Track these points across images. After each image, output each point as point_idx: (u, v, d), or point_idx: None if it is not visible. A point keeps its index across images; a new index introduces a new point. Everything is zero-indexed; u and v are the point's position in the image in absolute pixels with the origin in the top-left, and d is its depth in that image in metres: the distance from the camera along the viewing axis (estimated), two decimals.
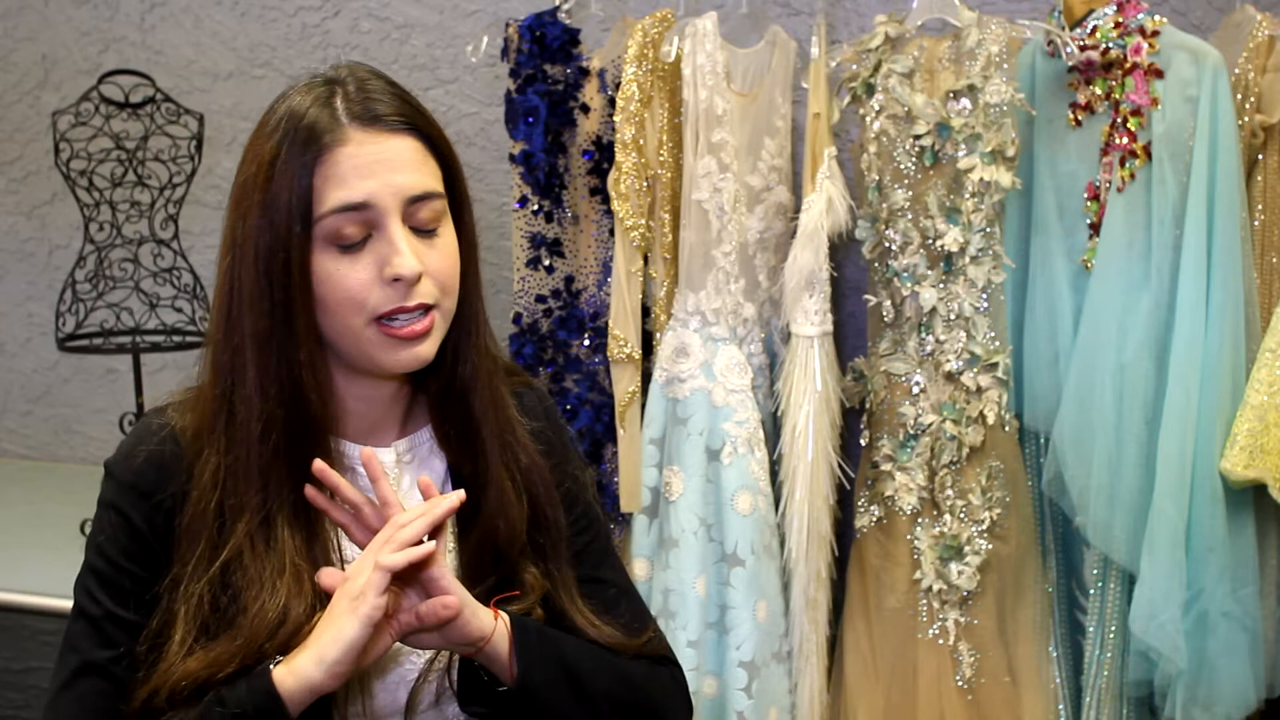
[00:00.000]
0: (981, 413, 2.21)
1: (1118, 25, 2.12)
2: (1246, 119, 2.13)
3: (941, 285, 2.21)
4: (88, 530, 2.68)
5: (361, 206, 1.13)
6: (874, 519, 2.28)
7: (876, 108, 2.22)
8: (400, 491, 1.25)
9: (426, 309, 1.16)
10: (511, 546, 1.25)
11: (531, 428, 1.31)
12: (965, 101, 2.16)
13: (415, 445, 1.29)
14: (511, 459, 1.27)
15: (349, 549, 1.22)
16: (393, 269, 1.13)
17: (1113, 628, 2.17)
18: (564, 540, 1.31)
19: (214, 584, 1.14)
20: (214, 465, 1.16)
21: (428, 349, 1.17)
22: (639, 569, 2.35)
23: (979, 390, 2.21)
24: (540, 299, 2.43)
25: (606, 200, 2.34)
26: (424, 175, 1.16)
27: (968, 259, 2.19)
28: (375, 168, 1.14)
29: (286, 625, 1.12)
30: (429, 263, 1.16)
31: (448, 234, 1.19)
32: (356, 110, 1.15)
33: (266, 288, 1.14)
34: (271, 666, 1.08)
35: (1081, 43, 2.13)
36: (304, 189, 1.12)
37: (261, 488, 1.15)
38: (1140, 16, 2.11)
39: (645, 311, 2.37)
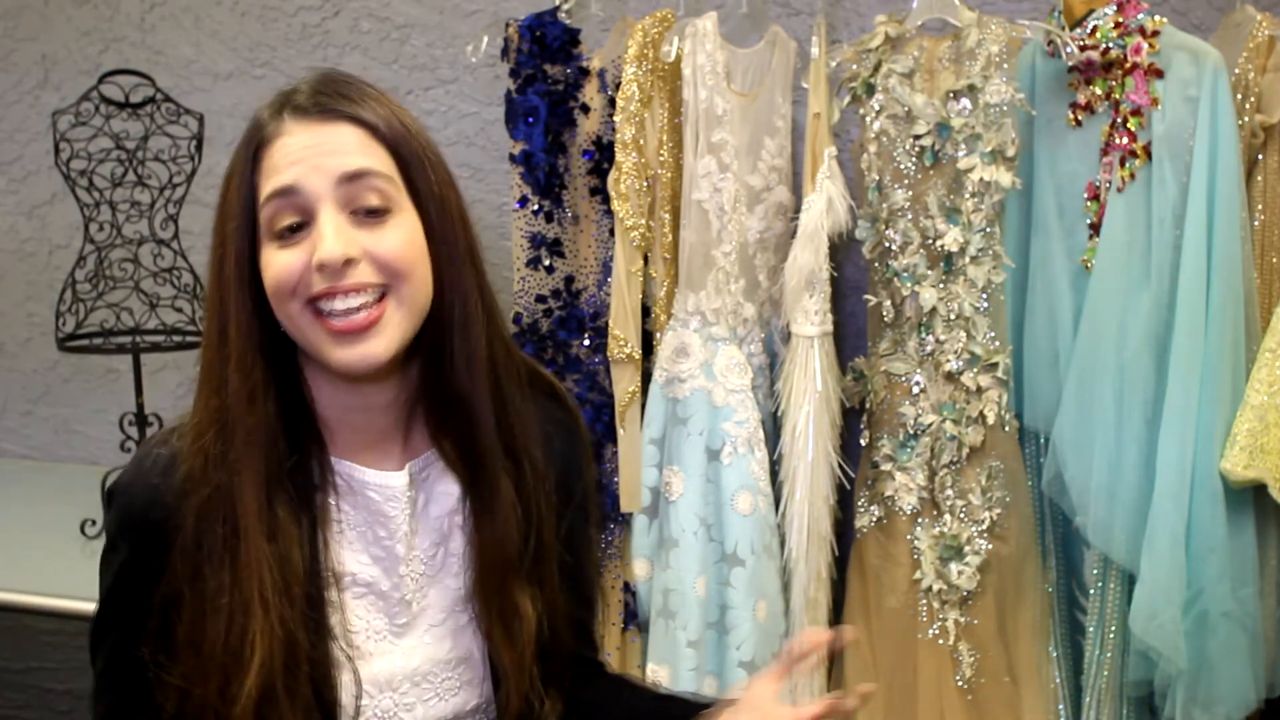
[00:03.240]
0: (981, 413, 2.21)
1: (1118, 25, 2.12)
2: (1246, 119, 2.13)
3: (941, 285, 2.21)
4: (88, 530, 2.69)
5: (289, 191, 1.09)
6: (874, 519, 2.28)
7: (876, 108, 2.22)
8: (417, 511, 1.21)
9: (380, 295, 1.10)
10: (510, 565, 1.21)
11: (552, 443, 1.26)
12: (965, 101, 2.16)
13: (428, 463, 1.22)
14: (518, 474, 1.21)
15: (346, 558, 1.18)
16: (317, 255, 1.08)
17: (1113, 628, 2.17)
18: (558, 562, 1.27)
19: (182, 601, 1.10)
20: (196, 473, 1.12)
21: (376, 347, 1.10)
22: (639, 569, 2.35)
23: (979, 390, 2.21)
24: (540, 299, 2.43)
25: (606, 200, 2.34)
26: (360, 156, 1.11)
27: (968, 259, 2.19)
28: (305, 153, 1.10)
29: (237, 656, 1.08)
30: (371, 246, 1.10)
31: (403, 219, 1.12)
32: (298, 102, 1.13)
33: (219, 288, 1.12)
34: None
35: (1081, 43, 2.13)
36: (249, 186, 1.12)
37: (228, 499, 1.11)
38: (1140, 16, 2.11)
39: (645, 311, 2.37)
